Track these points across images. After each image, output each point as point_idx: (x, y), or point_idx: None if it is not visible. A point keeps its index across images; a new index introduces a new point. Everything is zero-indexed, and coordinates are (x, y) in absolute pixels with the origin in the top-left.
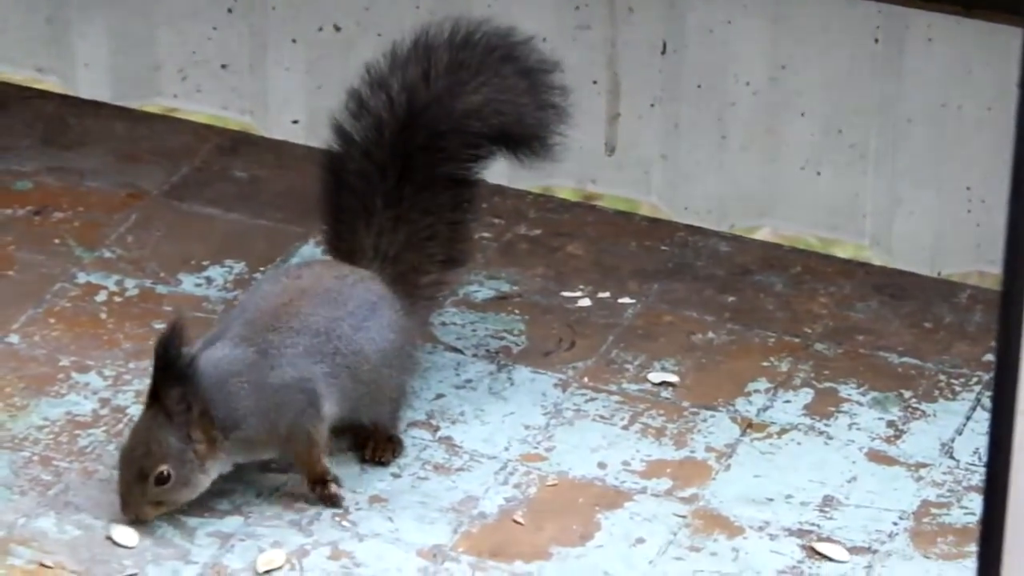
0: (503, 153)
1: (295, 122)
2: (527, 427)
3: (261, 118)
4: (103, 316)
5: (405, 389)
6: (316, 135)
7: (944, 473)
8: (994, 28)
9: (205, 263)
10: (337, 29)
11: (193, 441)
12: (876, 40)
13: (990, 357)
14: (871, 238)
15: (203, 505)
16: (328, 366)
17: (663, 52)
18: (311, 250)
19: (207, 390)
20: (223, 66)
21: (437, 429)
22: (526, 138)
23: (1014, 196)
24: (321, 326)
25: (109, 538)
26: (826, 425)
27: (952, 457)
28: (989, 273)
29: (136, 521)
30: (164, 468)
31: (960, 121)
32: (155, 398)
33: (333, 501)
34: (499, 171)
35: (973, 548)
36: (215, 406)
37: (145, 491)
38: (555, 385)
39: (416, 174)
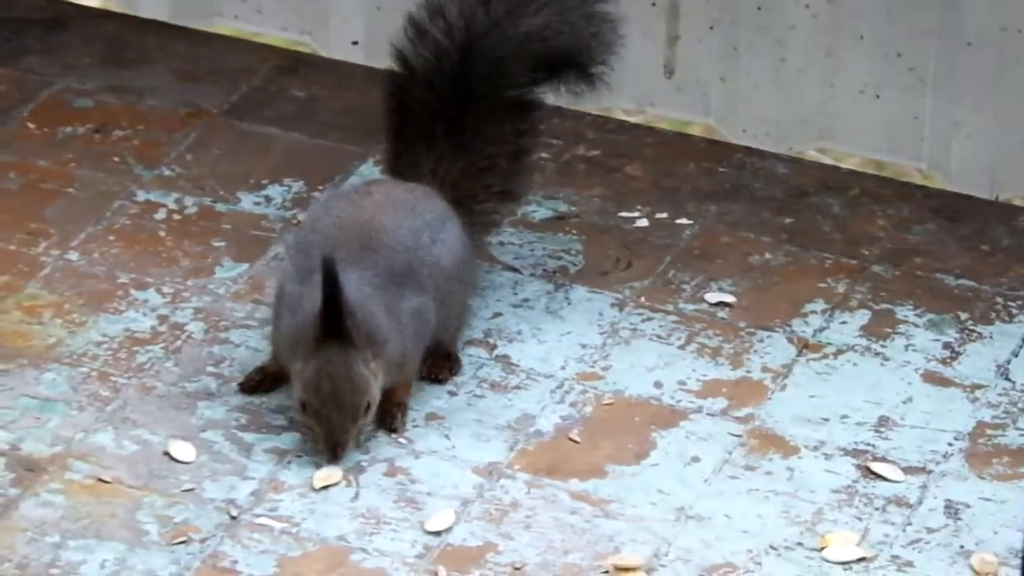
0: (558, 80)
1: (355, 43)
2: (584, 346)
3: (321, 39)
4: (162, 234)
5: (468, 306)
6: (375, 56)
7: (999, 395)
8: None
9: (264, 182)
10: None
11: (370, 363)
12: None
13: None
14: (929, 161)
15: (260, 421)
16: (431, 291)
17: None
18: (369, 169)
19: (361, 314)
20: None
21: (494, 347)
22: (582, 63)
23: None
24: (408, 240)
25: (166, 454)
26: (882, 346)
27: (1008, 379)
28: None
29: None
30: (368, 398)
31: (1020, 44)
32: (331, 334)
33: (397, 428)
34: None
35: None
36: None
37: (358, 426)
38: (612, 305)
39: (478, 102)
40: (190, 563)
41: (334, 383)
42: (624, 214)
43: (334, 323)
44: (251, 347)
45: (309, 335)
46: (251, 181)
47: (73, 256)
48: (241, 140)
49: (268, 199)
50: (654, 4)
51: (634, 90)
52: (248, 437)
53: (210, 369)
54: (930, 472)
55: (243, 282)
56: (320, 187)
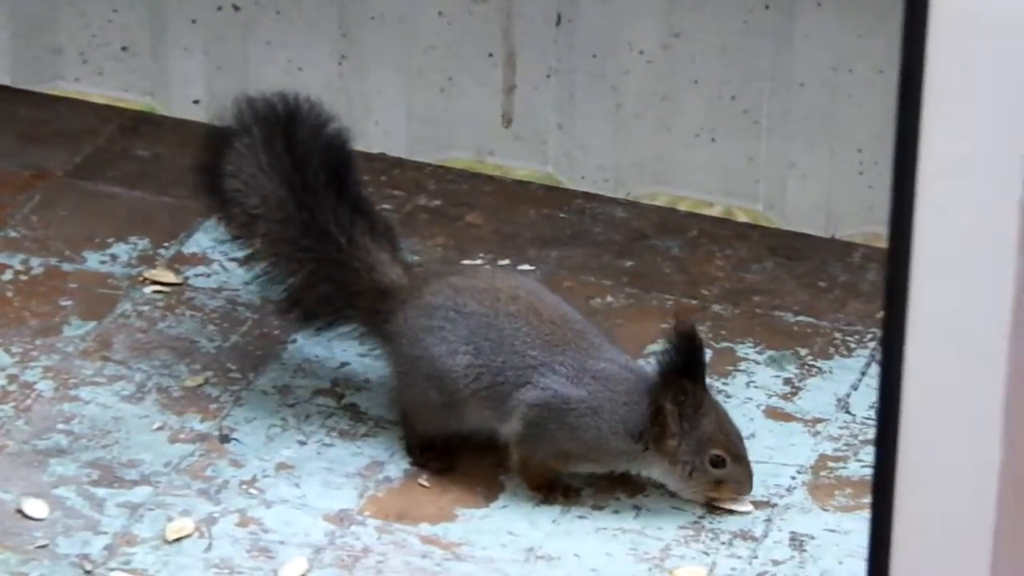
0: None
1: (196, 102)
2: None
3: (163, 99)
4: (9, 294)
5: None
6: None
7: (840, 428)
8: None
9: (109, 240)
10: (236, 8)
11: None
12: (767, 6)
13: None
14: (765, 202)
15: (111, 476)
16: None
17: (558, 23)
18: (213, 224)
19: None
20: (124, 48)
21: (342, 396)
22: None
23: (898, 152)
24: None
25: (19, 511)
26: (724, 384)
27: (848, 412)
28: (882, 233)
29: None
30: None
31: (851, 84)
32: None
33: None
34: (398, 144)
35: (869, 500)
36: None
37: None
38: None
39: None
40: None
41: (733, 423)
42: (467, 262)
43: (703, 372)
44: (100, 404)
45: (687, 400)
46: (96, 240)
47: None
48: (86, 200)
49: (114, 257)
50: (491, 55)
51: (473, 140)
52: (100, 492)
53: (60, 427)
54: (774, 506)
55: (91, 340)
56: (165, 244)
